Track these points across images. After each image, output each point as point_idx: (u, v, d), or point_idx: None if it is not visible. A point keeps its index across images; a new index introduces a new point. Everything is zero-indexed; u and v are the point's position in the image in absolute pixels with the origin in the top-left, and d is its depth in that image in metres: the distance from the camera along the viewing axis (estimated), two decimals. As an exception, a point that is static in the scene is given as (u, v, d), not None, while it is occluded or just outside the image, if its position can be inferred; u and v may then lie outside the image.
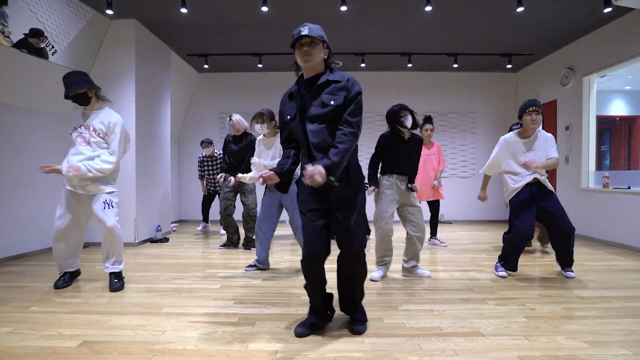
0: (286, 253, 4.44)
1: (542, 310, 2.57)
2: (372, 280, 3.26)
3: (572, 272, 3.41)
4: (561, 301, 2.76)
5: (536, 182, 3.30)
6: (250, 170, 3.85)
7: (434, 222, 4.95)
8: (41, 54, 4.02)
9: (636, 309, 2.59)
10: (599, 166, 6.76)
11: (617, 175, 5.11)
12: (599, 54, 5.10)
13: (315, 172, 1.84)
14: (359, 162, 2.24)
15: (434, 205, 4.89)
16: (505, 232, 3.46)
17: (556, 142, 5.87)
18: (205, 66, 6.31)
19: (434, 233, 4.97)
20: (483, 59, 6.30)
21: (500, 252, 3.54)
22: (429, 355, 1.92)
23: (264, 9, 4.07)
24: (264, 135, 3.57)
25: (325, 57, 2.12)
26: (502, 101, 7.25)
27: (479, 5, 4.36)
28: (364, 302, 2.37)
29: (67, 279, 3.08)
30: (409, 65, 6.33)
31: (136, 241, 4.80)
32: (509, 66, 6.48)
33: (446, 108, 7.24)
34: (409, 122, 3.20)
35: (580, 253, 4.46)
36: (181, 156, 7.08)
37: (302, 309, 2.55)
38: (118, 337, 2.11)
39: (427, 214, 4.77)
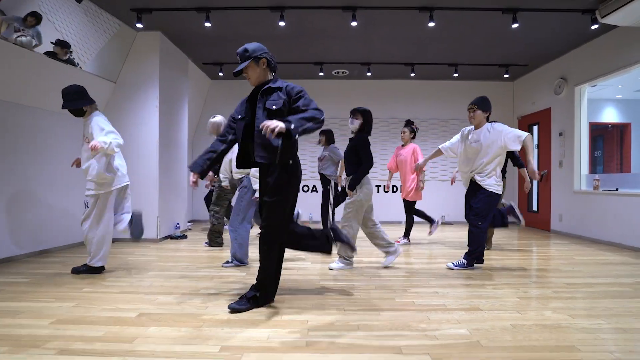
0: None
1: (533, 293, 2.93)
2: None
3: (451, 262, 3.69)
4: (550, 286, 3.12)
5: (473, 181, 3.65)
6: None
7: (408, 222, 5.13)
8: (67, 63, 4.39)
9: (616, 292, 2.95)
10: (593, 170, 7.14)
11: (607, 178, 5.48)
12: (590, 65, 5.50)
13: (275, 126, 2.15)
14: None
15: (409, 205, 5.08)
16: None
17: (550, 147, 6.29)
18: (220, 74, 6.71)
19: (406, 233, 5.15)
20: (482, 69, 6.71)
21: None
22: (436, 323, 2.28)
23: (281, 23, 4.48)
24: None
25: (265, 65, 2.50)
26: (499, 108, 7.62)
27: (478, 20, 4.76)
28: (378, 285, 2.73)
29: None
30: (412, 74, 6.74)
31: (158, 237, 5.15)
32: (505, 76, 6.89)
33: (447, 115, 7.63)
34: (352, 125, 3.68)
35: (571, 249, 4.82)
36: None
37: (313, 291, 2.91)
38: (168, 310, 2.46)
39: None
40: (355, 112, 3.70)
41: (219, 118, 4.35)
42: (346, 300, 2.71)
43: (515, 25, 4.54)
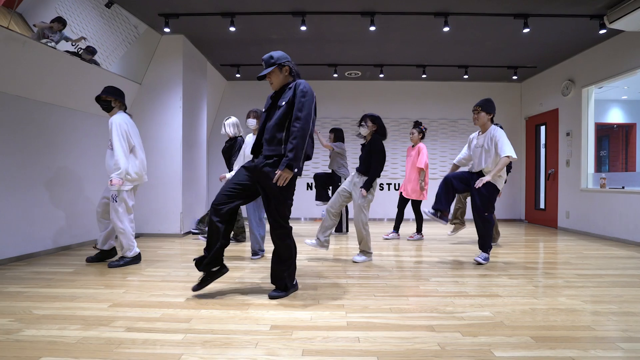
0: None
1: (547, 282, 3.13)
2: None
3: (479, 257, 3.78)
4: (562, 277, 3.32)
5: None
6: None
7: (418, 219, 5.34)
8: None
9: (624, 282, 3.15)
10: (598, 169, 7.34)
11: (613, 177, 5.68)
12: (597, 68, 5.70)
13: (282, 177, 2.45)
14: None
15: (415, 205, 5.29)
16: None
17: (558, 146, 6.48)
18: (237, 75, 6.93)
19: (418, 229, 5.36)
20: (491, 70, 6.91)
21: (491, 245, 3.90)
22: (461, 307, 2.48)
23: (303, 28, 4.69)
24: (253, 131, 4.04)
25: (287, 73, 2.67)
26: (508, 109, 7.84)
27: (490, 25, 4.96)
28: (401, 276, 2.93)
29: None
30: (424, 75, 6.94)
31: (181, 232, 5.36)
32: (514, 77, 7.09)
33: (456, 115, 7.83)
34: (362, 130, 3.91)
35: (579, 245, 5.01)
36: (209, 159, 7.66)
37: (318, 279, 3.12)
38: (212, 296, 2.67)
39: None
40: (365, 119, 3.90)
41: (234, 119, 4.58)
42: (374, 288, 2.92)
43: (526, 30, 4.74)
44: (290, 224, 2.67)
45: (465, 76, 6.92)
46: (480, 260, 3.76)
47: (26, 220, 3.79)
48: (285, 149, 2.53)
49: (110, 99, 3.52)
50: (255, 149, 2.75)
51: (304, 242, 3.97)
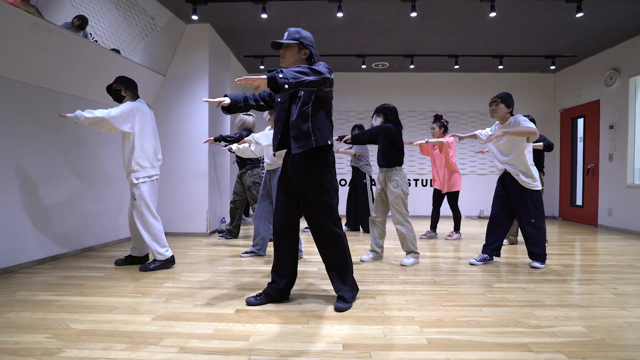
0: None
1: (624, 289, 2.82)
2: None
3: (538, 263, 3.47)
4: (638, 282, 3.01)
5: (508, 174, 3.49)
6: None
7: (455, 216, 5.00)
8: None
9: None
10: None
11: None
12: (646, 56, 5.33)
13: (249, 79, 1.96)
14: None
15: (451, 198, 4.93)
16: None
17: (599, 140, 6.14)
18: (261, 67, 6.64)
19: (456, 228, 5.03)
20: (528, 60, 6.55)
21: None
22: (545, 320, 2.20)
23: (339, 14, 4.38)
24: (268, 119, 3.81)
25: (305, 57, 2.36)
26: (540, 101, 7.47)
27: (538, 10, 4.61)
28: (459, 281, 2.64)
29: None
30: (456, 66, 6.60)
31: (207, 232, 5.11)
32: (552, 67, 6.72)
33: (486, 108, 7.45)
34: (374, 122, 3.63)
35: (631, 245, 4.68)
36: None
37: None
38: (262, 307, 2.40)
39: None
40: (377, 111, 3.68)
41: (252, 118, 4.41)
42: (437, 295, 2.64)
43: (579, 15, 4.39)
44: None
45: (500, 66, 6.56)
46: (539, 265, 3.46)
47: (50, 220, 3.56)
48: (316, 140, 2.28)
49: (120, 88, 3.27)
50: (281, 143, 2.43)
51: (360, 260, 3.69)
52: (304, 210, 2.42)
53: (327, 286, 2.80)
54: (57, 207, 3.62)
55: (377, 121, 3.63)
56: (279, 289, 2.47)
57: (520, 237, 4.61)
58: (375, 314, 2.29)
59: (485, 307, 2.42)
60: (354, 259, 3.65)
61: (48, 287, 2.74)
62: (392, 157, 3.53)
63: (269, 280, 2.55)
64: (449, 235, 5.00)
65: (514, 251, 4.19)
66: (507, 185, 3.52)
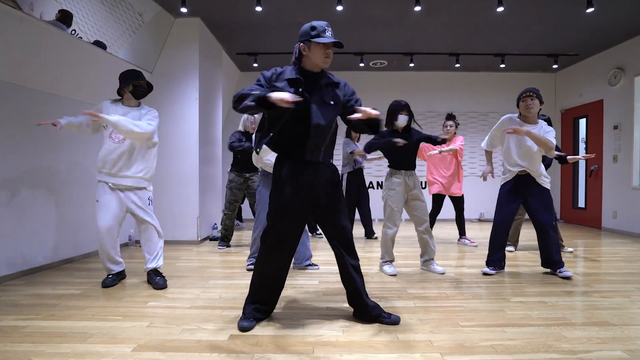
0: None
1: (653, 302, 2.60)
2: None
3: (567, 271, 3.23)
4: (665, 294, 2.79)
5: (525, 174, 3.25)
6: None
7: (460, 221, 4.78)
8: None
9: None
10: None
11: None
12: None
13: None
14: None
15: (457, 203, 4.72)
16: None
17: (602, 141, 5.97)
18: (255, 65, 6.34)
19: (462, 233, 4.80)
20: (530, 59, 6.36)
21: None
22: (578, 343, 1.95)
23: (339, 8, 4.12)
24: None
25: None
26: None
27: (547, 5, 4.41)
28: (473, 294, 2.40)
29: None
30: (457, 65, 6.39)
31: (198, 239, 4.81)
32: (555, 66, 6.54)
33: (486, 108, 7.30)
34: (402, 121, 3.34)
35: (644, 249, 4.51)
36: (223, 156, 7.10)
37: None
38: (260, 331, 2.11)
39: (452, 213, 4.81)
40: (403, 108, 3.43)
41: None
42: (453, 313, 2.38)
43: (590, 10, 4.19)
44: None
45: (502, 65, 6.36)
46: (569, 274, 3.21)
47: (24, 230, 3.22)
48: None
49: (144, 84, 3.06)
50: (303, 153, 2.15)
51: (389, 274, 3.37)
52: (330, 228, 2.24)
53: (331, 304, 2.54)
54: (31, 216, 3.29)
55: (403, 119, 3.34)
56: (267, 311, 2.28)
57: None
58: (389, 338, 2.02)
59: (508, 327, 2.17)
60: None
61: (14, 310, 2.41)
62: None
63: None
64: (472, 241, 4.73)
65: (515, 259, 3.97)
66: (522, 189, 3.26)
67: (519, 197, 3.30)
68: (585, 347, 1.91)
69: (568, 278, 3.17)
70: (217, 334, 2.06)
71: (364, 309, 2.23)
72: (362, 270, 2.32)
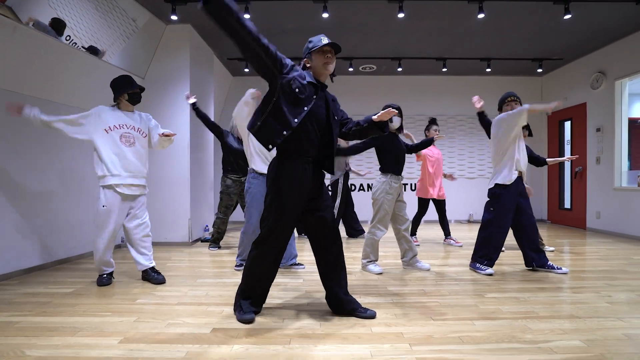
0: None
1: (619, 297, 2.73)
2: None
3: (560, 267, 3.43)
4: (632, 289, 2.92)
5: (519, 178, 3.41)
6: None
7: (444, 223, 4.93)
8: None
9: None
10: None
11: (649, 175, 5.31)
12: (632, 59, 5.32)
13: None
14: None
15: (441, 206, 4.88)
16: (483, 227, 3.47)
17: (586, 143, 6.13)
18: (246, 70, 6.47)
19: (447, 233, 4.94)
20: (515, 63, 6.52)
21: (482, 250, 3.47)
22: (541, 334, 2.08)
23: (325, 15, 4.26)
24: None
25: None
26: (528, 104, 7.44)
27: (526, 12, 4.56)
28: (450, 291, 2.51)
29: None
30: (444, 69, 6.53)
31: (190, 241, 4.91)
32: (539, 70, 6.70)
33: (475, 111, 7.43)
34: (396, 122, 3.44)
35: (621, 248, 4.64)
36: (215, 161, 7.21)
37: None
38: (241, 324, 2.23)
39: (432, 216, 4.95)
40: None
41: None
42: (427, 308, 2.50)
43: (567, 17, 4.34)
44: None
45: (488, 69, 6.52)
46: (565, 270, 3.41)
47: (19, 232, 3.33)
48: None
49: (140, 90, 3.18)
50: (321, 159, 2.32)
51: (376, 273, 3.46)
52: (322, 226, 2.34)
53: (313, 300, 2.65)
54: (25, 218, 3.39)
55: (397, 121, 3.47)
56: (260, 305, 2.42)
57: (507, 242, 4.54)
58: (362, 330, 2.14)
59: (478, 320, 2.29)
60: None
61: (7, 307, 2.52)
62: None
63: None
64: (457, 242, 4.86)
65: (500, 258, 4.09)
66: (520, 189, 3.41)
67: (517, 198, 3.42)
68: (547, 338, 2.03)
69: (557, 269, 3.41)
70: (201, 328, 2.17)
71: (342, 303, 2.35)
72: (349, 270, 2.44)
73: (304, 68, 2.28)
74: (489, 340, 2.01)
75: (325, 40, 2.20)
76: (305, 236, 5.35)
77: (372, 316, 2.31)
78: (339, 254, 2.36)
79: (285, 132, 2.09)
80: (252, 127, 2.15)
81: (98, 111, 2.99)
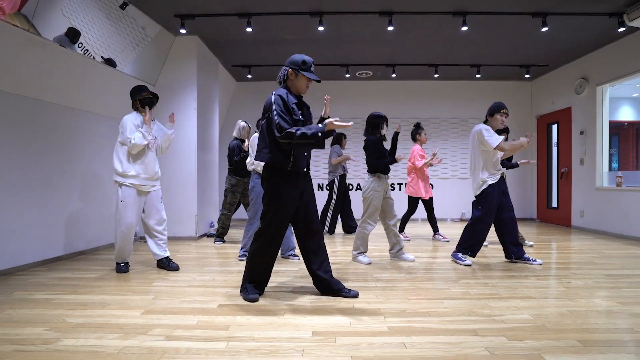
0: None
1: (577, 283, 3.09)
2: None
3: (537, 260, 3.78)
4: (591, 277, 3.28)
5: (502, 178, 3.79)
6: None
7: (432, 220, 5.28)
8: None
9: (656, 282, 3.12)
10: (608, 168, 7.30)
11: (629, 175, 5.65)
12: (612, 66, 5.66)
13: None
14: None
15: (429, 204, 5.23)
16: (472, 224, 3.78)
17: (571, 145, 6.46)
18: (249, 76, 6.88)
19: (435, 229, 5.29)
20: (503, 69, 6.88)
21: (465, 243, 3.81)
22: (498, 310, 2.45)
23: (320, 28, 4.65)
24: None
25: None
26: (518, 107, 7.80)
27: (507, 24, 4.92)
28: (429, 278, 2.88)
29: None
30: (436, 75, 6.90)
31: (197, 235, 5.31)
32: (526, 76, 7.05)
33: (467, 114, 7.80)
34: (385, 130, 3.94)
35: (598, 244, 4.98)
36: (220, 161, 7.62)
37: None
38: (243, 301, 2.63)
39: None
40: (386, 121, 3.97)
41: (244, 123, 4.71)
42: (406, 291, 2.88)
43: (544, 29, 4.71)
44: None
45: (478, 75, 6.88)
46: (540, 262, 3.78)
47: (44, 225, 3.75)
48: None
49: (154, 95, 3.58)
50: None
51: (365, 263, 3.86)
52: (310, 219, 2.74)
53: (305, 284, 3.04)
54: (49, 212, 3.81)
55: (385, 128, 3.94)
56: (263, 287, 2.81)
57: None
58: (346, 306, 2.52)
59: (447, 300, 2.67)
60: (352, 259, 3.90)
61: (43, 288, 2.94)
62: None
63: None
64: (445, 237, 5.23)
65: (483, 251, 4.45)
66: (503, 187, 3.78)
67: (500, 196, 3.77)
68: (501, 313, 2.41)
69: (532, 261, 3.77)
70: (208, 304, 2.57)
71: (329, 284, 2.73)
72: (341, 261, 2.82)
73: (286, 78, 2.68)
74: (452, 314, 2.38)
75: (313, 70, 2.67)
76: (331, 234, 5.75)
77: (355, 296, 2.70)
78: (321, 240, 2.76)
79: (292, 159, 2.61)
80: (263, 160, 2.64)
81: (125, 121, 3.38)
